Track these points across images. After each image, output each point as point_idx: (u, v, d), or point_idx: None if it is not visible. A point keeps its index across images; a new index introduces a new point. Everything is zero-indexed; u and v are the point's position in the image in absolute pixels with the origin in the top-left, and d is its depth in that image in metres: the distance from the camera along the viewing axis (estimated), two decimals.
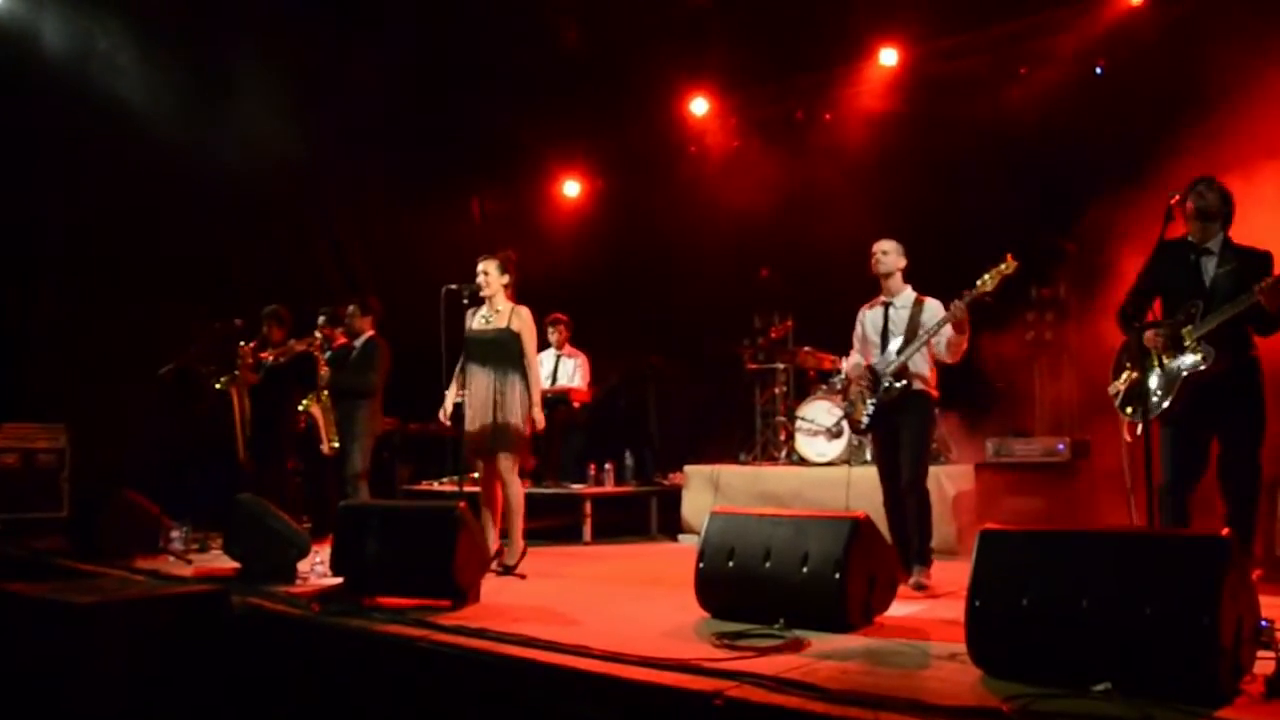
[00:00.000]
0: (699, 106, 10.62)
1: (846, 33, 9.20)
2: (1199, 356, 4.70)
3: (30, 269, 9.58)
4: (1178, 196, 4.64)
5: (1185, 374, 4.73)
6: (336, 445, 7.66)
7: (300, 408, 7.66)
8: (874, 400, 5.55)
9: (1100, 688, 2.97)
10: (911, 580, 5.31)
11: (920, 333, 5.45)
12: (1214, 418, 4.75)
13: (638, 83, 10.24)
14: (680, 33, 9.70)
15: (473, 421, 6.21)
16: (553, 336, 9.35)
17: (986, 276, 5.23)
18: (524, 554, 6.27)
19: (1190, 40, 7.52)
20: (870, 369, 5.61)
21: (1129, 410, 4.97)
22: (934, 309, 5.51)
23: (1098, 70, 8.37)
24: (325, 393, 7.70)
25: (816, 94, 10.02)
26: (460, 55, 10.18)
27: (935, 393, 5.61)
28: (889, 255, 5.66)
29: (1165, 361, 4.82)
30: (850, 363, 5.92)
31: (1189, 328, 4.75)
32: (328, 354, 7.96)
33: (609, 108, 10.54)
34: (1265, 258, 4.74)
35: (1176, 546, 3.23)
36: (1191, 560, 3.08)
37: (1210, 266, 4.82)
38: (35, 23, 8.79)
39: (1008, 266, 5.21)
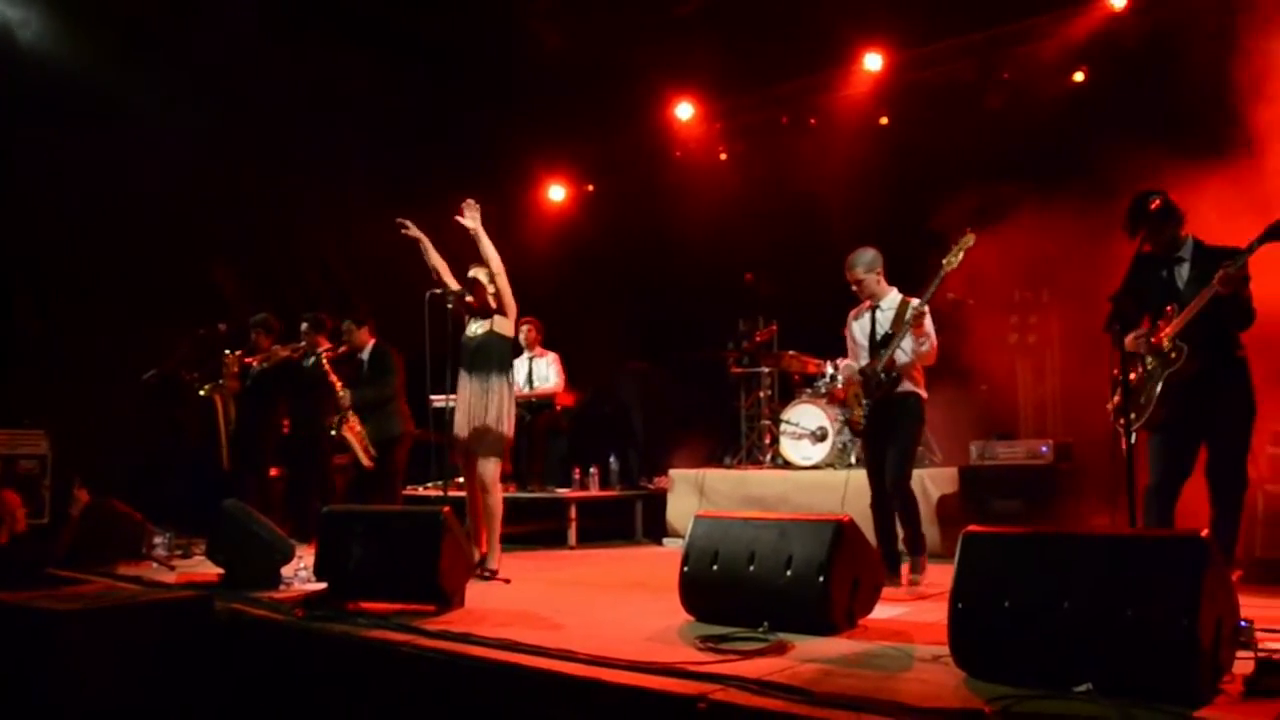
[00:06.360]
0: (684, 111, 10.65)
1: (831, 38, 9.23)
2: (1172, 355, 4.72)
3: (11, 275, 9.53)
4: (1157, 202, 4.68)
5: (1166, 374, 4.74)
6: (375, 454, 7.58)
7: (332, 434, 7.53)
8: (869, 400, 5.60)
9: (1082, 689, 2.99)
10: (909, 576, 5.45)
11: (902, 329, 5.46)
12: (1202, 421, 4.74)
13: (623, 88, 10.25)
14: (665, 38, 9.71)
15: (460, 426, 6.25)
16: (522, 338, 9.27)
17: (950, 255, 5.34)
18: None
19: (1171, 46, 7.58)
20: (863, 371, 5.66)
21: (1132, 416, 4.85)
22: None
23: (1079, 76, 8.45)
24: (350, 413, 7.56)
25: (801, 99, 10.07)
26: (445, 60, 10.17)
27: (924, 393, 5.65)
28: (867, 278, 5.64)
29: (1149, 367, 4.85)
30: (843, 365, 5.96)
31: (1166, 331, 4.78)
32: (310, 361, 7.91)
33: (594, 113, 10.54)
34: (1233, 253, 4.65)
35: (1157, 548, 3.24)
36: (1171, 561, 3.09)
37: (1184, 271, 4.85)
38: (14, 28, 8.74)
39: (968, 239, 5.34)
